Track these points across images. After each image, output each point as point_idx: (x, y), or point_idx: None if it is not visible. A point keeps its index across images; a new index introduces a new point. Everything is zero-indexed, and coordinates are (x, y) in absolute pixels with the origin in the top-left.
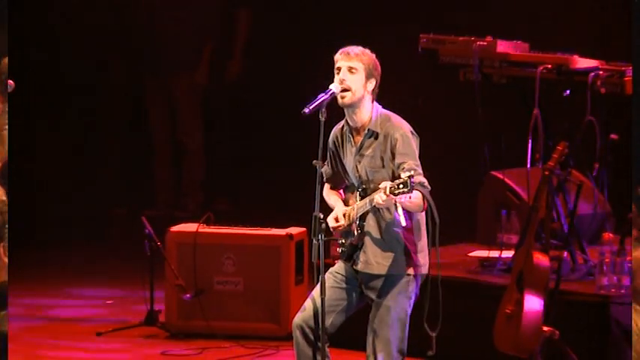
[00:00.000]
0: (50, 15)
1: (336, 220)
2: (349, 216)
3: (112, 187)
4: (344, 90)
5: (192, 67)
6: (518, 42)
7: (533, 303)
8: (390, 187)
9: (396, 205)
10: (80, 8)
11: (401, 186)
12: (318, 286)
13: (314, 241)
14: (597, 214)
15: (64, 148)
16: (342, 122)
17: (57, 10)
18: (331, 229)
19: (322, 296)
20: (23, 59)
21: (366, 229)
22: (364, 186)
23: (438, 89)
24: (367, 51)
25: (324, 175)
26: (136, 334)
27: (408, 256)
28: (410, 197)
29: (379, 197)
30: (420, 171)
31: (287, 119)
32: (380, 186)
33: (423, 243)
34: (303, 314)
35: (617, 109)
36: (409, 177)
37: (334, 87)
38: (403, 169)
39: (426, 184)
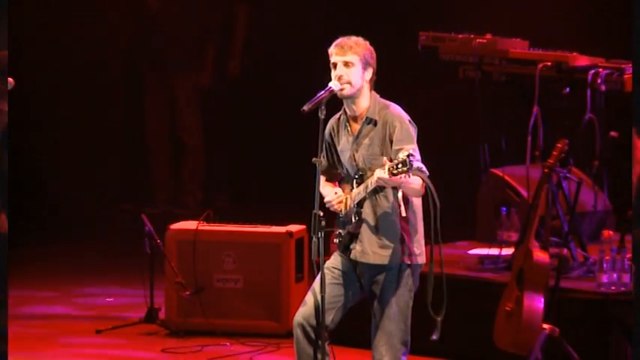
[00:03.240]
0: (50, 14)
1: (335, 193)
2: (346, 204)
3: (113, 184)
4: (343, 83)
5: (194, 67)
6: (518, 39)
7: (533, 300)
8: (389, 167)
9: (395, 189)
10: (82, 7)
11: (400, 165)
12: (316, 283)
13: (314, 239)
14: (597, 211)
15: (65, 146)
16: (339, 113)
17: (58, 8)
18: (327, 204)
19: (322, 294)
20: (24, 58)
21: (363, 216)
22: (361, 173)
23: (437, 87)
24: (360, 40)
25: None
26: (135, 332)
27: (404, 245)
28: (409, 176)
29: (380, 173)
30: (419, 157)
31: (286, 116)
32: (378, 170)
33: (419, 232)
34: (304, 311)
35: (616, 107)
36: (408, 156)
37: (333, 84)
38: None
39: (424, 169)
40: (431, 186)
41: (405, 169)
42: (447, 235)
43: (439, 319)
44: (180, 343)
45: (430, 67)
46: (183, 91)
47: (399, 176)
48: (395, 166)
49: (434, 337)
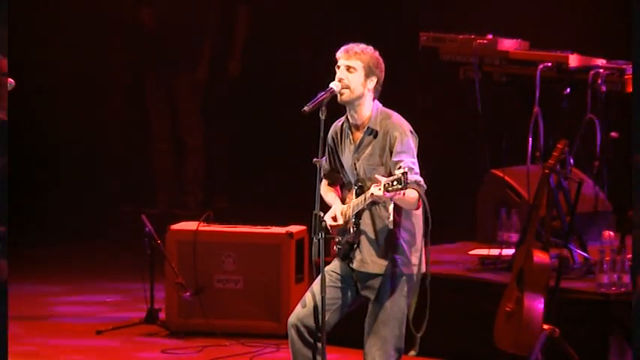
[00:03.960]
0: (51, 14)
1: (334, 219)
2: (345, 214)
3: (114, 185)
4: (342, 87)
5: (193, 66)
6: (519, 40)
7: (533, 301)
8: (385, 184)
9: (388, 201)
10: (82, 7)
11: (395, 183)
12: (313, 285)
13: (314, 239)
14: (597, 212)
15: (65, 146)
16: (342, 118)
17: (58, 8)
18: (329, 228)
19: (322, 294)
20: (25, 58)
21: (361, 227)
22: (360, 183)
23: (438, 87)
24: (369, 49)
25: (322, 171)
26: (136, 333)
27: (403, 255)
28: (403, 194)
29: (375, 190)
30: (417, 170)
31: (287, 117)
32: (373, 186)
33: (418, 242)
34: (298, 313)
35: (617, 107)
36: (403, 174)
37: (334, 85)
38: (399, 167)
39: (422, 182)
40: (426, 202)
41: (399, 186)
42: (447, 235)
43: (418, 335)
44: (180, 343)
45: (430, 68)
46: (183, 91)
47: (392, 193)
48: (390, 183)
49: (412, 352)
